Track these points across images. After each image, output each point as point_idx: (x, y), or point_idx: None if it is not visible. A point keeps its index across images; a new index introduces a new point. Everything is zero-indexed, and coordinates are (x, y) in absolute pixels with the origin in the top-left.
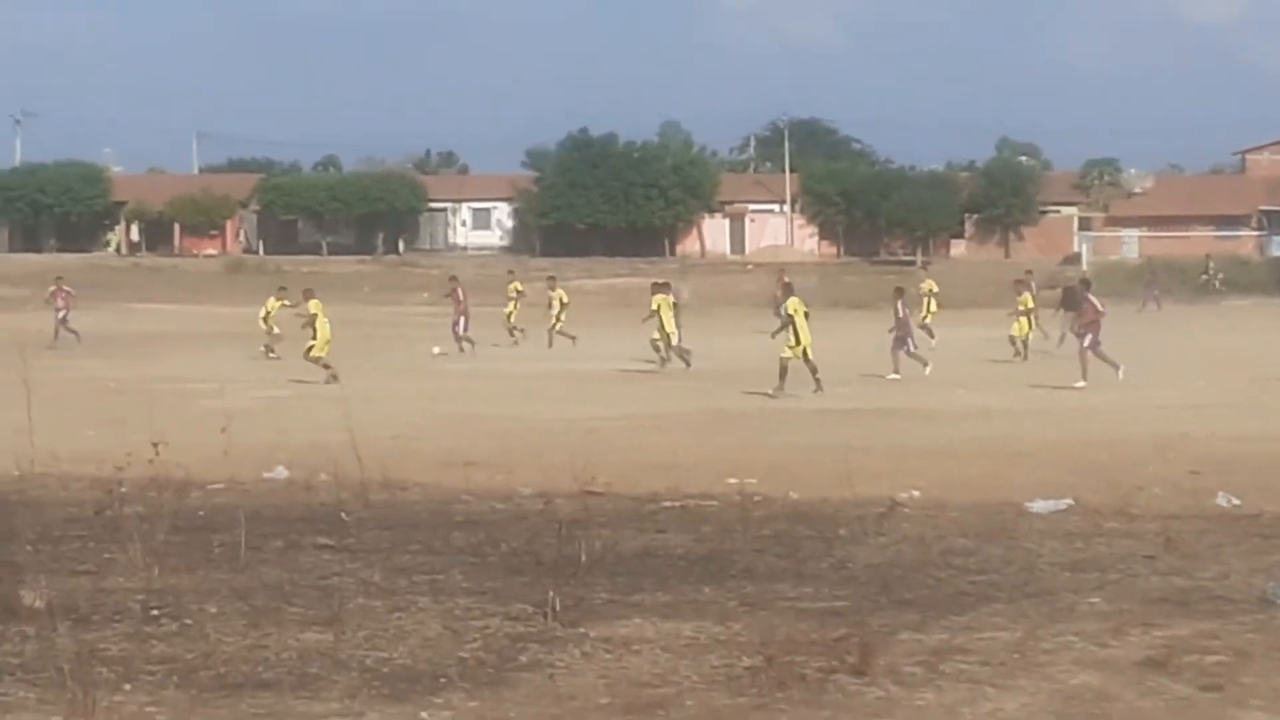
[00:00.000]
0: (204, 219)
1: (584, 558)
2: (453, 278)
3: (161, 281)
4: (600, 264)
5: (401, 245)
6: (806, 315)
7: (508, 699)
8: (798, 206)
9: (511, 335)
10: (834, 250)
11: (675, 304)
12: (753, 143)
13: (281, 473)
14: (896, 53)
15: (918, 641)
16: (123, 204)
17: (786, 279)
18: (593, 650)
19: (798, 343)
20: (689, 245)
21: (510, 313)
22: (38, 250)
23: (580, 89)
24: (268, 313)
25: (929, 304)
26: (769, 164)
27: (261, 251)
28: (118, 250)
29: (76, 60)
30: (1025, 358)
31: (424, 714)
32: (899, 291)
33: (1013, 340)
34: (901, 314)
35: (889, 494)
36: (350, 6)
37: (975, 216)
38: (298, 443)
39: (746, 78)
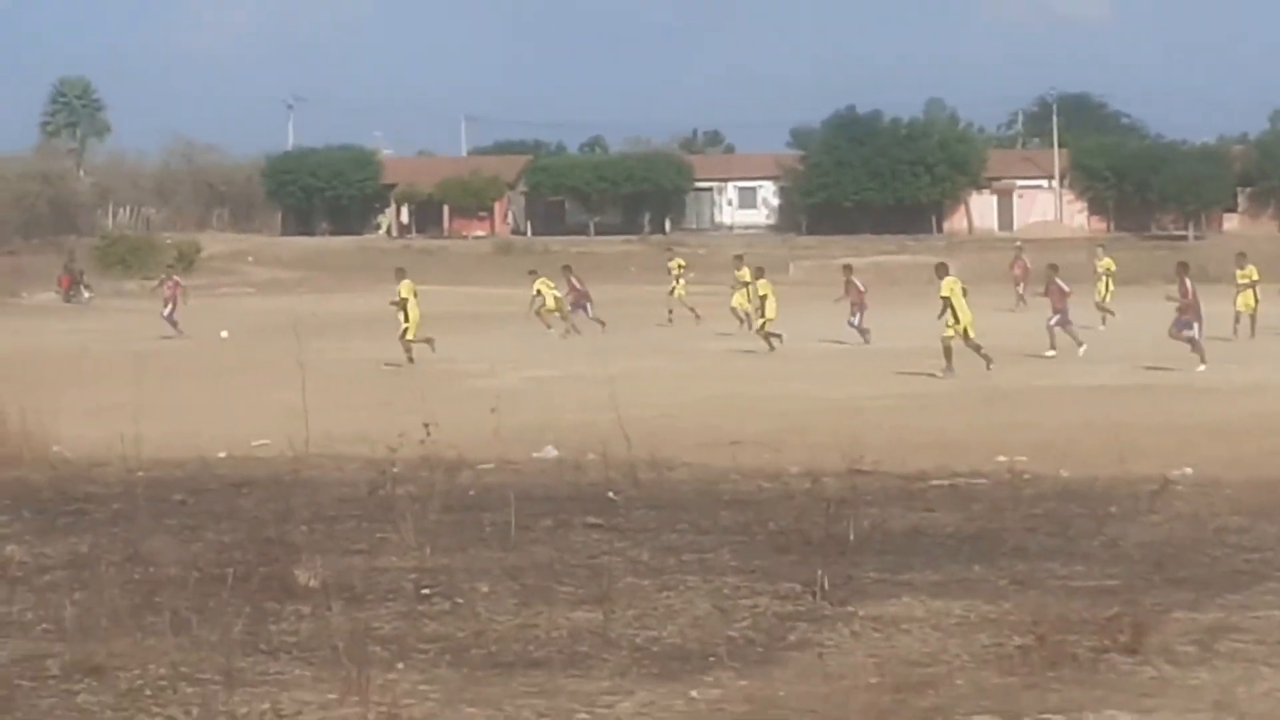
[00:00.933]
0: (473, 201)
1: (852, 536)
2: (566, 266)
3: (431, 263)
4: (867, 242)
5: (668, 225)
6: (965, 293)
7: (777, 678)
8: (1066, 182)
9: (693, 314)
10: (1104, 226)
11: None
12: (1020, 118)
13: (550, 452)
14: (1165, 25)
15: (1191, 620)
16: (393, 187)
17: (940, 261)
18: (861, 629)
19: (957, 322)
20: (957, 222)
21: (674, 290)
22: (310, 233)
23: (845, 67)
24: (538, 293)
25: (1107, 283)
26: (1037, 139)
27: (529, 233)
28: (388, 233)
29: (347, 46)
30: (1251, 334)
31: (693, 692)
32: (1183, 266)
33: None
34: (1188, 292)
35: (1161, 471)
36: None
37: (1249, 190)
38: (566, 422)
39: (1013, 53)
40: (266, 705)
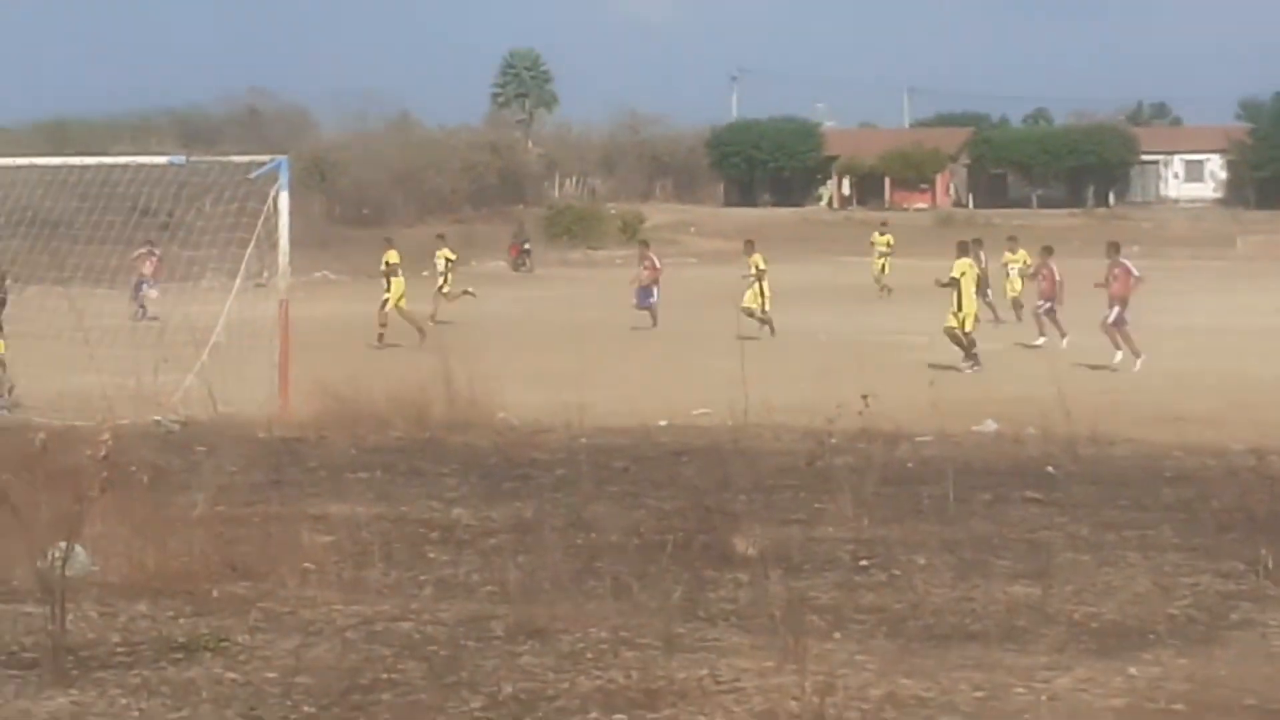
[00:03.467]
0: (914, 173)
1: None
2: (643, 242)
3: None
4: None
5: (1112, 198)
6: (979, 282)
7: (1218, 657)
8: None
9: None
10: None
11: None
12: None
13: (990, 426)
14: None
15: None
16: (834, 159)
17: (968, 239)
18: None
19: (960, 309)
20: None
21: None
22: (751, 205)
23: None
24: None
25: None
26: None
27: (971, 205)
28: (829, 204)
29: (791, 17)
30: None
31: (1132, 670)
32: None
33: None
34: None
35: None
36: None
37: None
38: (1005, 396)
39: None
40: (705, 671)
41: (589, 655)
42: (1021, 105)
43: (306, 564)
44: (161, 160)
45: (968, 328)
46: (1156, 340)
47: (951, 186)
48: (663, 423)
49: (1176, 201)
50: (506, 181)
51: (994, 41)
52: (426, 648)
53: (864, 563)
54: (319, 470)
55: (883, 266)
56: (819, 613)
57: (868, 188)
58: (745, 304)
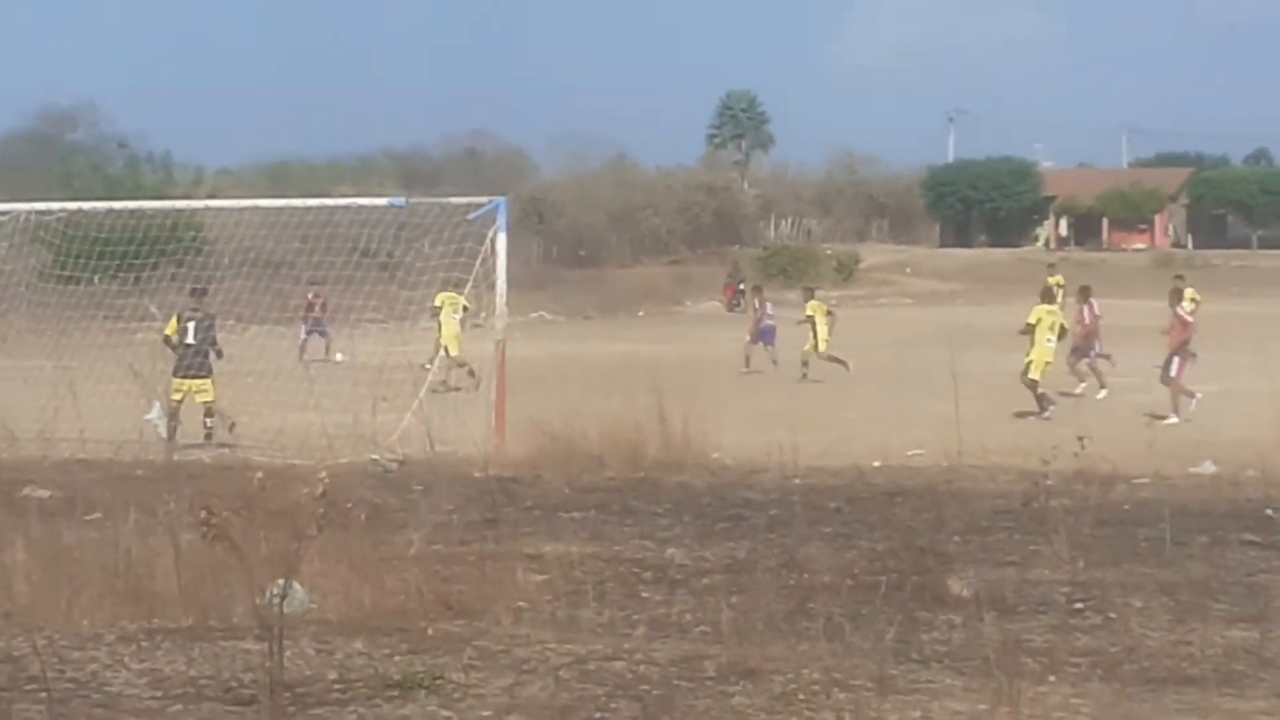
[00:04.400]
0: (1132, 213)
1: None
2: (756, 287)
3: (1089, 275)
4: None
5: None
6: (1059, 330)
7: None
8: None
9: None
10: None
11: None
12: None
13: (1209, 467)
14: None
15: None
16: (1052, 199)
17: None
18: None
19: (1033, 356)
20: None
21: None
22: (968, 245)
23: None
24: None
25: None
26: None
27: (1190, 246)
28: (1046, 245)
29: (1009, 59)
30: None
31: None
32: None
33: None
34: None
35: None
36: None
37: None
38: (1225, 438)
39: None
40: (918, 713)
41: (801, 696)
42: (1242, 145)
43: (521, 603)
44: (382, 202)
45: (1032, 375)
46: None
47: (1170, 227)
48: (876, 464)
49: None
50: (722, 222)
51: (1214, 80)
52: (639, 687)
53: (1079, 605)
54: (534, 509)
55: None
56: (1033, 655)
57: (1085, 228)
58: (814, 350)
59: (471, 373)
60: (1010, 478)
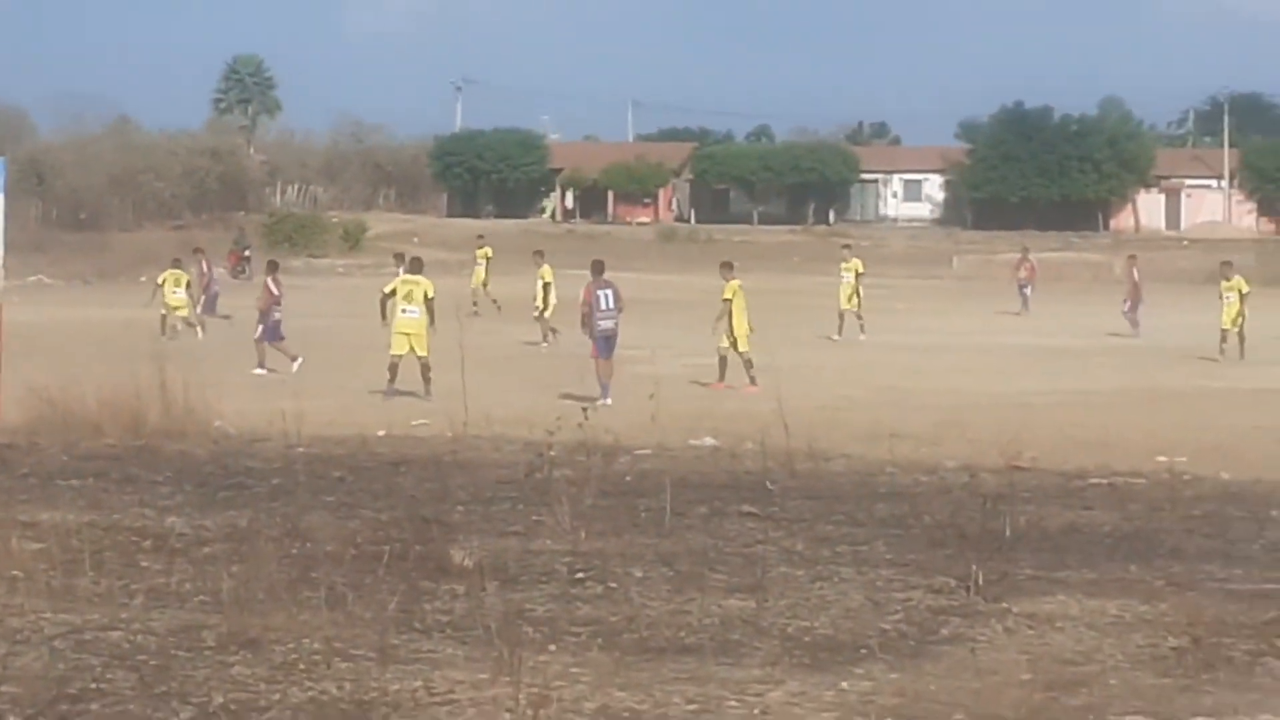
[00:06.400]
0: (638, 187)
1: (1008, 532)
2: (198, 249)
3: (594, 249)
4: (1031, 238)
5: (832, 216)
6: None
7: (929, 672)
8: (1236, 182)
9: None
10: (1273, 227)
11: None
12: (1191, 117)
13: (708, 441)
14: None
15: None
16: (558, 171)
17: (730, 260)
18: (1015, 626)
19: (734, 330)
20: (1123, 220)
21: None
22: (475, 215)
23: (1015, 61)
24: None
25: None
26: (1207, 139)
27: (693, 220)
28: (552, 217)
29: (517, 29)
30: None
31: (844, 684)
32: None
33: None
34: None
35: None
36: None
37: None
38: (725, 411)
39: (1186, 51)
40: (419, 683)
41: (301, 666)
42: (745, 122)
43: (14, 571)
44: None
45: (741, 348)
46: (873, 357)
47: (674, 201)
48: (381, 433)
49: (895, 221)
50: (228, 187)
51: (718, 58)
52: (136, 657)
53: (580, 575)
54: (30, 477)
55: (851, 295)
56: (535, 625)
57: (591, 201)
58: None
59: None
60: (515, 448)
